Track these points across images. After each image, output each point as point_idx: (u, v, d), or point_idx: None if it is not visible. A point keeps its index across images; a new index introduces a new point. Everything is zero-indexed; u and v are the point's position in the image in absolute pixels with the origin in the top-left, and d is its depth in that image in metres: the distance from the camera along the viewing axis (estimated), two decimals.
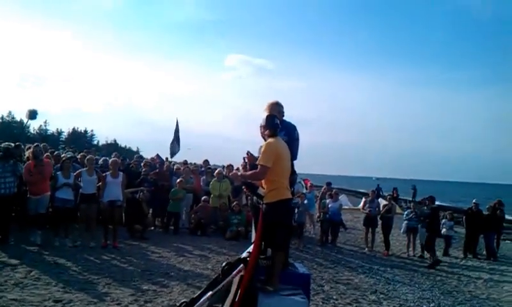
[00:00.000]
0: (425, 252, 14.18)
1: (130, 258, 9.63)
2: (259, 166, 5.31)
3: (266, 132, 5.54)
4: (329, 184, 18.03)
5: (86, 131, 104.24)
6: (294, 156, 6.09)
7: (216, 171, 15.28)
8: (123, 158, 19.30)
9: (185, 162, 18.36)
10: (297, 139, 6.19)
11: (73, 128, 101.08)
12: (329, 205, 14.88)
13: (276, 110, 6.05)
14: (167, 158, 19.76)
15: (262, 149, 5.37)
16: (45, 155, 12.12)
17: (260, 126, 5.86)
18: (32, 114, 18.31)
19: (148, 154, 17.34)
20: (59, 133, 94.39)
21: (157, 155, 19.41)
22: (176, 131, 20.64)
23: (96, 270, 8.28)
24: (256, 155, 6.17)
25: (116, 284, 7.49)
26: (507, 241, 20.15)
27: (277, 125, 5.60)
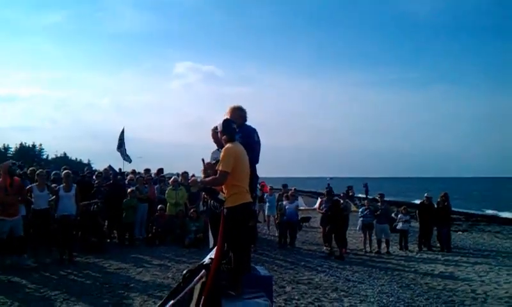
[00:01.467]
0: (381, 247, 14.52)
1: (88, 272, 9.40)
2: (219, 172, 5.30)
3: (223, 137, 5.52)
4: (285, 186, 18.17)
5: (34, 145, 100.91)
6: (255, 159, 6.09)
7: (171, 179, 15.13)
8: (74, 171, 18.78)
9: (133, 172, 17.84)
10: (258, 142, 6.19)
11: (21, 143, 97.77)
12: (286, 207, 14.98)
13: (237, 114, 6.08)
14: (120, 169, 19.42)
15: (221, 154, 5.36)
16: None
17: (214, 131, 5.83)
18: None
19: (99, 166, 17.05)
20: (6, 148, 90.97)
21: (110, 166, 19.03)
22: (121, 138, 20.33)
23: (53, 286, 8.05)
24: (208, 160, 6.17)
25: (75, 299, 7.29)
26: (458, 232, 20.84)
27: (234, 129, 5.60)
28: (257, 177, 6.28)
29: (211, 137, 6.10)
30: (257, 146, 6.18)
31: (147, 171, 17.22)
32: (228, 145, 5.39)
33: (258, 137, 6.24)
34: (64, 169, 13.80)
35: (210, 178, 5.53)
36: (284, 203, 15.31)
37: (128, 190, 13.68)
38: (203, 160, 6.09)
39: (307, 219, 21.26)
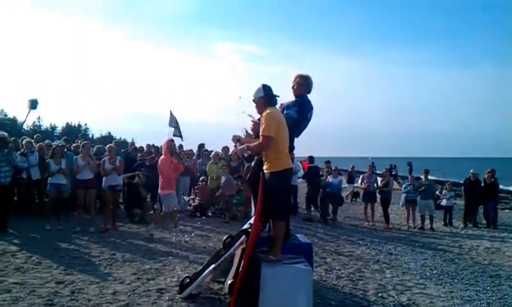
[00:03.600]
0: (425, 223, 14.26)
1: (131, 240, 9.59)
2: (262, 137, 5.27)
3: (262, 101, 5.46)
4: (328, 162, 18.03)
5: (79, 125, 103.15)
6: (298, 133, 6.03)
7: (213, 153, 15.21)
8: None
9: (180, 147, 18.01)
10: (309, 120, 6.11)
11: (67, 123, 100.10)
12: (330, 180, 14.86)
13: (301, 82, 6.08)
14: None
15: (263, 119, 5.31)
16: (37, 145, 12.16)
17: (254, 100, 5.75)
18: (33, 104, 17.94)
19: (143, 145, 17.09)
20: (53, 128, 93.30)
21: (152, 145, 19.12)
22: (173, 121, 20.25)
23: (98, 253, 8.24)
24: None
25: (118, 265, 7.45)
26: (505, 210, 20.23)
27: (274, 94, 5.54)
28: (293, 148, 6.19)
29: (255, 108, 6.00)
30: (306, 123, 6.10)
31: (180, 147, 17.26)
32: (268, 110, 5.33)
33: (311, 116, 6.14)
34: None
35: (255, 143, 5.50)
36: (329, 177, 15.16)
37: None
38: (250, 115, 6.07)
39: (357, 194, 21.31)
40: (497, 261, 9.97)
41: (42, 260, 7.48)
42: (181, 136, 18.94)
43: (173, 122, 18.98)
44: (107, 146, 11.95)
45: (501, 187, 19.48)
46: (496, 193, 15.94)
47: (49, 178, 10.48)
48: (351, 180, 24.32)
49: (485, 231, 14.14)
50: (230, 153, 14.73)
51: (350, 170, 25.34)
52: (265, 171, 5.43)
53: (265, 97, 5.46)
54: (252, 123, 5.97)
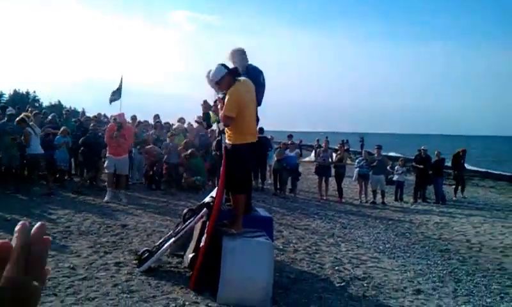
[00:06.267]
0: (376, 198, 14.62)
1: (84, 213, 9.32)
2: (222, 117, 5.34)
3: (225, 81, 5.40)
4: (290, 136, 18.15)
5: (28, 92, 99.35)
6: (258, 102, 6.00)
7: (175, 126, 15.12)
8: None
9: (133, 118, 17.57)
10: (263, 85, 6.11)
11: (15, 90, 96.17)
12: (288, 154, 14.97)
13: (240, 56, 6.00)
14: (111, 116, 19.08)
15: (226, 98, 5.29)
16: None
17: (210, 80, 5.69)
18: None
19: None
20: (0, 95, 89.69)
21: (104, 114, 18.70)
22: (119, 88, 19.79)
23: (52, 225, 8.00)
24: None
25: (74, 238, 7.29)
26: (452, 186, 20.96)
27: (234, 68, 5.53)
28: (258, 119, 6.20)
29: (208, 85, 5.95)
30: (262, 89, 6.10)
31: (133, 118, 16.88)
32: (232, 89, 5.30)
33: (263, 79, 6.14)
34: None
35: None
36: (286, 151, 15.24)
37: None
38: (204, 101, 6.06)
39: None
40: (446, 235, 10.36)
41: None
42: (119, 96, 18.51)
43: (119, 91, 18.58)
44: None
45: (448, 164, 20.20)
46: (441, 170, 16.46)
47: None
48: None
49: (434, 206, 14.65)
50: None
51: (298, 143, 25.60)
52: (226, 142, 5.45)
53: (228, 74, 5.41)
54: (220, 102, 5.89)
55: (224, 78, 5.40)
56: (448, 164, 18.16)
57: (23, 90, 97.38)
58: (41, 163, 11.09)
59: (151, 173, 13.59)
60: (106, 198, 10.55)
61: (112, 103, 18.76)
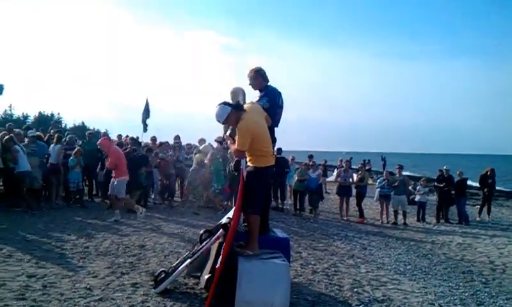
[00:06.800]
0: (398, 218, 14.43)
1: (104, 233, 9.37)
2: (236, 151, 5.47)
3: (232, 118, 5.42)
4: (311, 157, 18.10)
5: (52, 114, 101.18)
6: (275, 122, 6.05)
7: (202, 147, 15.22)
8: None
9: (153, 139, 17.67)
10: (281, 107, 6.19)
11: (40, 112, 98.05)
12: (311, 175, 14.95)
13: (260, 77, 6.10)
14: (138, 137, 19.25)
15: (237, 133, 5.39)
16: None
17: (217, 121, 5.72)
18: None
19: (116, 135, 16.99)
20: (25, 117, 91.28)
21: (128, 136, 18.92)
22: (146, 109, 20.03)
23: (70, 246, 8.05)
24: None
25: (91, 258, 7.30)
26: (476, 206, 20.59)
27: (237, 103, 5.61)
28: (275, 140, 6.23)
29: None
30: (280, 110, 6.18)
31: (153, 139, 17.00)
32: (241, 122, 5.33)
33: (282, 101, 6.20)
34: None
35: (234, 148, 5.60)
36: (309, 172, 15.20)
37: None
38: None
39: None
40: (469, 257, 10.14)
41: (13, 253, 7.27)
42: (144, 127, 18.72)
43: (145, 112, 18.81)
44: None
45: (472, 183, 19.90)
46: (464, 190, 16.18)
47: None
48: (324, 174, 24.46)
49: (457, 227, 14.38)
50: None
51: (323, 164, 25.41)
52: (248, 165, 5.48)
53: (233, 111, 5.41)
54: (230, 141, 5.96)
55: (230, 116, 5.41)
56: (474, 183, 17.93)
57: (48, 112, 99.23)
58: (27, 180, 11.05)
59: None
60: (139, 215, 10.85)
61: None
